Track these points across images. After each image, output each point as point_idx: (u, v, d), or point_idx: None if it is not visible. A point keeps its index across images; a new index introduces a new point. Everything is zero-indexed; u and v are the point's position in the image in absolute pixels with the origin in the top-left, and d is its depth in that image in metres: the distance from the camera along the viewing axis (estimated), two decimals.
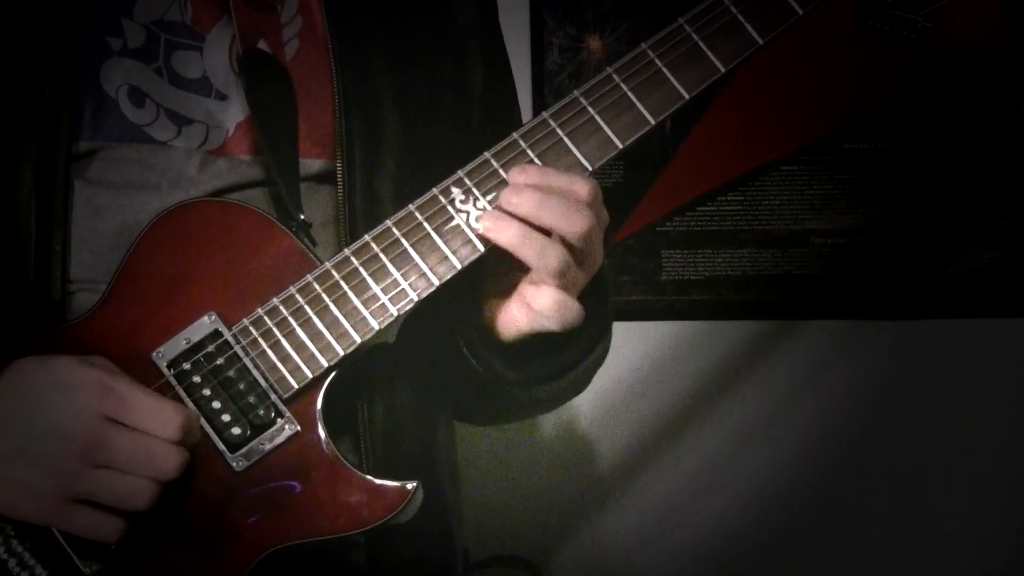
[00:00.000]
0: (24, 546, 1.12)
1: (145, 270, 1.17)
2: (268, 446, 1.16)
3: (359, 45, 1.32)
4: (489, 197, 1.18)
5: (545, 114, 1.20)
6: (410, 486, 1.16)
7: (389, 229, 1.18)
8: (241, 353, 1.16)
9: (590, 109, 1.20)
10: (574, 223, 1.15)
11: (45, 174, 1.21)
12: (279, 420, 1.16)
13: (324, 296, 1.17)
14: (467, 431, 1.46)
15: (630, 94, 1.20)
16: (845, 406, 2.19)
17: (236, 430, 1.16)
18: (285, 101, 1.27)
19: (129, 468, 1.07)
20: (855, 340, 2.19)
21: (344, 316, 1.17)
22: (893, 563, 2.17)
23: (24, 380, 1.09)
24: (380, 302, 1.17)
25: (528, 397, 1.33)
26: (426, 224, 1.18)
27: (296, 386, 1.16)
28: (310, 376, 1.17)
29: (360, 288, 1.17)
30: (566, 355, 1.29)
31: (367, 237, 1.18)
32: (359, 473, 1.16)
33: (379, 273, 1.18)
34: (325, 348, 1.17)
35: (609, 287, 1.32)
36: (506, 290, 1.22)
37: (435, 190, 1.19)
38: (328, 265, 1.18)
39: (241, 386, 1.16)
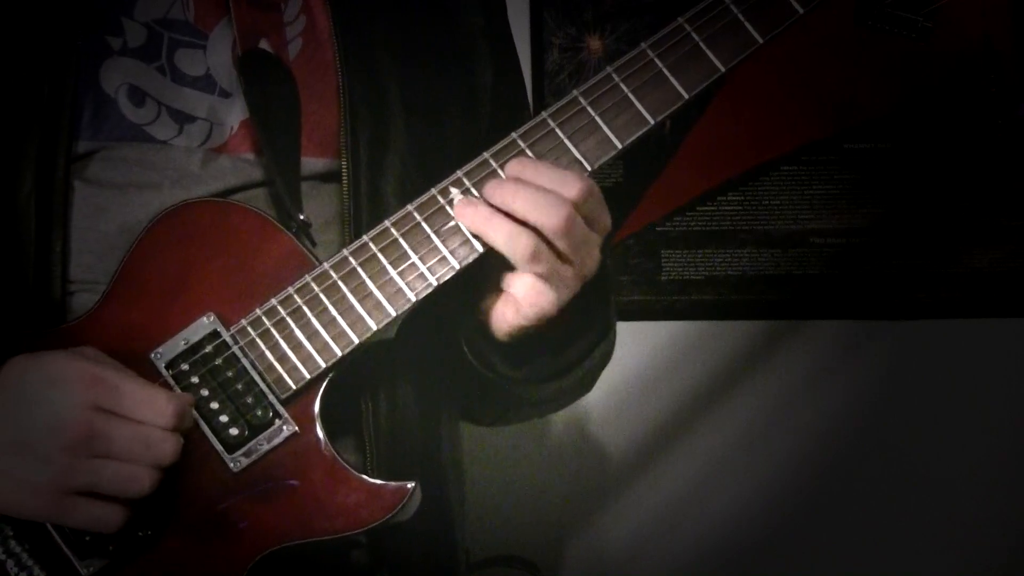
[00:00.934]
0: (22, 547, 1.12)
1: (144, 271, 1.17)
2: (266, 447, 1.16)
3: (364, 44, 1.32)
4: None
5: (544, 114, 1.20)
6: (409, 486, 1.16)
7: (388, 229, 1.18)
8: (239, 354, 1.16)
9: (589, 109, 1.19)
10: (547, 215, 1.14)
11: (45, 174, 1.21)
12: (277, 421, 1.16)
13: (322, 297, 1.17)
14: (469, 431, 1.46)
15: (630, 94, 1.20)
16: (846, 406, 2.19)
17: (234, 431, 1.16)
18: (287, 101, 1.27)
19: (127, 456, 1.07)
20: (855, 340, 2.19)
21: (342, 316, 1.17)
22: (894, 563, 2.17)
23: (17, 377, 1.09)
24: (378, 302, 1.17)
25: (531, 396, 1.33)
26: (424, 224, 1.18)
27: (294, 387, 1.16)
28: (308, 377, 1.16)
29: (358, 289, 1.17)
30: (568, 354, 1.28)
31: (366, 237, 1.18)
32: (357, 474, 1.16)
33: (377, 273, 1.17)
34: (323, 349, 1.17)
35: (611, 287, 1.32)
36: (500, 287, 1.21)
37: (434, 190, 1.19)
38: (327, 266, 1.18)
39: (239, 387, 1.16)
